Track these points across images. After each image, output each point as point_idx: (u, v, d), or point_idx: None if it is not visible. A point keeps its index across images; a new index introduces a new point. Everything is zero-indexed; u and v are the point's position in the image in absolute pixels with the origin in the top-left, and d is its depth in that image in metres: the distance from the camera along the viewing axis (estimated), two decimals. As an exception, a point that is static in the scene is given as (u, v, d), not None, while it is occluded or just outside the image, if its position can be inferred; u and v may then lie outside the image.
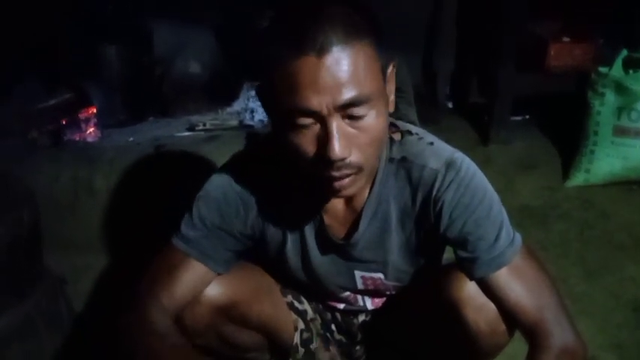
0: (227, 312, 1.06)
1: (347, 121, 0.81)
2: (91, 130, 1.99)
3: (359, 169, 0.85)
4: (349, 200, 0.99)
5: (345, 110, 0.80)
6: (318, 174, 0.84)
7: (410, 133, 0.99)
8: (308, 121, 0.80)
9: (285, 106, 0.80)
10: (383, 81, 0.84)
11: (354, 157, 0.82)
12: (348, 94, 0.78)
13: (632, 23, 2.10)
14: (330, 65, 0.77)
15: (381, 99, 0.83)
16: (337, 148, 0.79)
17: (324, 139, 0.80)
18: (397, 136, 0.98)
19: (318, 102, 0.78)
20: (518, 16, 2.06)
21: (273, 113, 0.86)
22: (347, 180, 0.85)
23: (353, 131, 0.82)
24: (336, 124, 0.80)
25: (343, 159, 0.81)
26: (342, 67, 0.77)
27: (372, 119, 0.82)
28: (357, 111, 0.80)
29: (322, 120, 0.80)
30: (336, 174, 0.83)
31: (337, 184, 0.85)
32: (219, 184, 1.01)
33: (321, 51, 0.76)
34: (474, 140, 2.21)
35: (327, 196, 0.97)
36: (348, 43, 0.78)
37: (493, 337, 0.96)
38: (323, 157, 0.81)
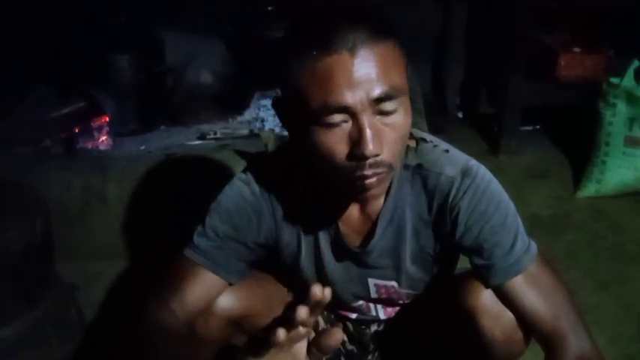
0: (239, 323, 1.06)
1: (378, 117, 0.82)
2: (103, 138, 2.00)
3: (389, 168, 0.85)
4: (364, 207, 0.99)
5: (377, 106, 0.81)
6: (349, 173, 0.84)
7: (425, 140, 0.99)
8: (340, 118, 0.81)
9: (317, 104, 0.80)
10: (407, 79, 0.85)
11: (385, 155, 0.83)
12: (380, 88, 0.80)
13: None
14: (362, 61, 0.79)
15: (407, 96, 0.84)
16: (371, 143, 0.80)
17: (356, 136, 0.81)
18: (412, 143, 0.98)
19: (352, 98, 0.79)
20: (529, 26, 2.06)
21: (299, 117, 0.85)
22: (376, 178, 0.85)
23: (384, 128, 0.82)
24: (369, 120, 0.81)
25: (376, 155, 0.82)
26: (374, 62, 0.79)
27: (401, 116, 0.83)
28: (388, 106, 0.81)
29: (354, 116, 0.81)
30: (368, 172, 0.83)
31: (367, 182, 0.85)
32: (231, 195, 1.01)
33: (353, 48, 0.78)
34: (484, 150, 2.21)
35: (348, 199, 0.98)
36: (378, 40, 0.80)
37: (509, 345, 0.96)
38: (355, 155, 0.82)
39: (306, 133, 0.84)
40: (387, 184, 0.91)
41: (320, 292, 0.67)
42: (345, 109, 0.80)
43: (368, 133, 0.80)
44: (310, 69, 0.80)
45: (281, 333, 0.66)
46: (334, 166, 0.84)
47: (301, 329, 0.69)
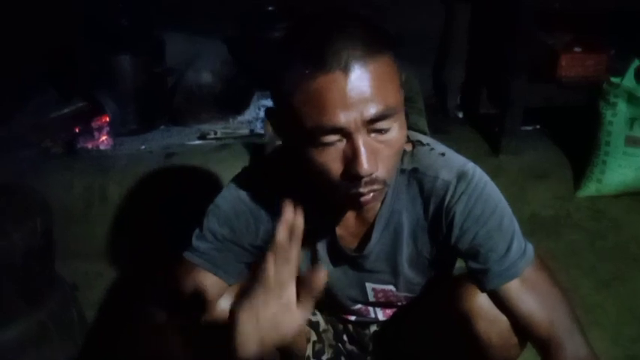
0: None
1: (372, 135, 0.80)
2: (104, 138, 2.00)
3: (384, 184, 0.85)
4: (361, 212, 0.99)
5: (372, 125, 0.79)
6: (344, 191, 0.83)
7: (421, 143, 0.99)
8: (334, 138, 0.80)
9: (310, 125, 0.79)
10: (402, 93, 0.84)
11: (380, 172, 0.82)
12: (374, 108, 0.78)
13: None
14: (355, 80, 0.76)
15: (402, 111, 0.83)
16: (365, 163, 0.79)
17: (350, 156, 0.80)
18: (408, 147, 0.98)
19: (345, 118, 0.77)
20: (531, 27, 2.06)
21: (293, 134, 0.84)
22: (371, 195, 0.84)
23: (378, 145, 0.81)
24: (363, 139, 0.79)
25: (371, 174, 0.80)
26: (368, 81, 0.77)
27: (396, 132, 0.82)
28: (382, 125, 0.80)
29: (349, 136, 0.79)
30: (363, 190, 0.82)
31: (363, 199, 0.84)
32: (229, 197, 1.01)
33: (347, 67, 0.76)
34: (484, 150, 2.20)
35: (346, 209, 0.97)
36: (371, 57, 0.77)
37: (504, 349, 0.96)
38: (350, 174, 0.81)
39: (300, 149, 0.83)
40: (382, 197, 0.90)
41: (291, 211, 0.68)
42: (339, 130, 0.79)
43: (363, 152, 0.79)
44: (303, 87, 0.78)
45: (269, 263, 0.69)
46: (329, 183, 0.84)
47: (285, 269, 0.71)
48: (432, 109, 2.28)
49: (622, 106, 1.94)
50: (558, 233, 1.89)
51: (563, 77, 2.16)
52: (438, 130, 1.76)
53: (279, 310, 0.72)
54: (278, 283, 0.71)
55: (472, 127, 2.37)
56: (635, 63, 1.95)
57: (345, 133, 0.79)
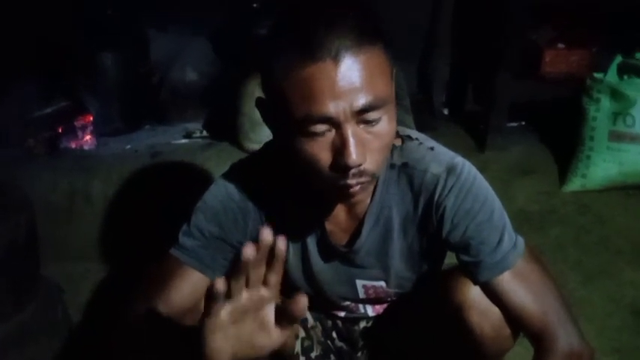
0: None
1: (362, 126, 0.80)
2: (88, 137, 1.98)
3: (372, 176, 0.84)
4: (351, 207, 0.99)
5: (361, 115, 0.79)
6: (332, 182, 0.83)
7: (410, 138, 0.99)
8: (323, 128, 0.79)
9: (299, 114, 0.78)
10: (392, 85, 0.84)
11: (368, 164, 0.81)
12: (364, 98, 0.77)
13: (627, 29, 2.11)
14: (345, 70, 0.76)
15: (392, 103, 0.82)
16: (354, 153, 0.78)
17: (339, 146, 0.79)
18: (398, 142, 0.98)
19: (335, 108, 0.77)
20: (518, 24, 2.07)
21: (282, 124, 0.83)
22: (359, 187, 0.84)
23: (367, 137, 0.81)
24: (352, 130, 0.78)
25: (359, 165, 0.80)
26: (358, 71, 0.76)
27: (385, 124, 0.81)
28: (372, 115, 0.79)
29: (338, 126, 0.79)
30: (351, 182, 0.82)
31: (352, 190, 0.84)
32: (217, 194, 1.00)
33: (337, 56, 0.75)
34: (470, 147, 2.22)
35: (334, 202, 0.97)
36: (362, 47, 0.77)
37: (497, 341, 0.96)
38: (338, 165, 0.80)
39: (289, 139, 0.83)
40: (370, 191, 0.90)
41: (269, 235, 0.65)
42: (328, 120, 0.78)
43: (351, 143, 0.78)
44: (293, 76, 0.77)
45: (219, 284, 0.65)
46: (318, 174, 0.83)
47: (263, 291, 0.68)
48: (418, 106, 2.28)
49: (605, 102, 1.96)
50: (544, 228, 1.90)
51: (547, 73, 2.19)
52: (424, 127, 1.76)
53: (255, 328, 0.70)
54: (252, 303, 0.68)
55: (458, 124, 2.38)
56: (618, 59, 1.97)
57: (335, 123, 0.79)
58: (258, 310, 0.70)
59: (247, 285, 0.66)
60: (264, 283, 0.68)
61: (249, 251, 0.64)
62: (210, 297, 0.66)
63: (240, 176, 1.01)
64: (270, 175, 0.99)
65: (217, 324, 0.68)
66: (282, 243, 0.66)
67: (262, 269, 0.67)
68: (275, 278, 0.68)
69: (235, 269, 0.64)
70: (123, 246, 1.78)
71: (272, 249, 0.66)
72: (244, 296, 0.67)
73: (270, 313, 0.70)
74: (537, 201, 2.01)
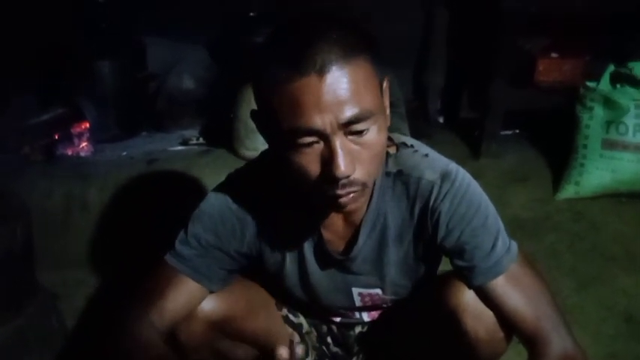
0: (222, 327, 1.05)
1: (350, 137, 0.81)
2: (84, 144, 1.98)
3: (363, 186, 0.85)
4: (348, 215, 0.99)
5: (348, 127, 0.80)
6: (323, 193, 0.84)
7: (405, 145, 1.00)
8: (311, 140, 0.80)
9: (287, 127, 0.80)
10: (380, 96, 0.85)
11: (358, 174, 0.82)
12: (350, 111, 0.79)
13: (620, 39, 2.14)
14: (330, 84, 0.77)
15: (381, 114, 0.83)
16: (342, 165, 0.79)
17: (327, 158, 0.80)
18: (392, 150, 0.99)
19: (321, 121, 0.78)
20: (511, 33, 2.09)
21: (273, 135, 0.85)
22: (351, 196, 0.85)
23: (356, 148, 0.82)
24: (340, 142, 0.80)
25: (348, 176, 0.81)
26: (343, 84, 0.78)
27: (374, 134, 0.82)
28: (359, 126, 0.80)
29: (325, 138, 0.80)
30: (341, 192, 0.83)
31: (342, 200, 0.85)
32: (215, 203, 1.00)
33: (321, 70, 0.77)
34: (465, 154, 2.23)
35: (328, 211, 0.98)
36: (347, 60, 0.78)
37: (491, 344, 0.97)
38: (327, 176, 0.81)
39: (280, 150, 0.84)
40: (365, 199, 0.91)
41: (286, 354, 0.67)
42: (315, 132, 0.79)
43: (339, 154, 0.79)
44: (280, 90, 0.79)
45: None
46: (308, 185, 0.84)
47: None
48: (413, 113, 2.30)
49: (598, 110, 1.98)
50: (538, 235, 1.91)
51: (540, 82, 2.20)
52: (419, 135, 1.78)
53: None
54: None
55: (453, 132, 2.40)
56: (611, 68, 2.00)
57: (322, 136, 0.80)
58: None
59: None
60: None
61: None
62: None
63: (236, 186, 1.01)
64: (266, 184, 1.00)
65: None
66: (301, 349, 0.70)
67: None
68: None
69: None
70: (118, 253, 1.78)
71: None
72: None
73: None
74: (531, 208, 2.03)
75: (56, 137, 1.98)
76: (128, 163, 1.90)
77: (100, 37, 2.00)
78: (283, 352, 0.66)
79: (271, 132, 0.85)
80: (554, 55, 2.21)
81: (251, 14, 2.15)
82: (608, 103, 1.96)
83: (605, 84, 1.98)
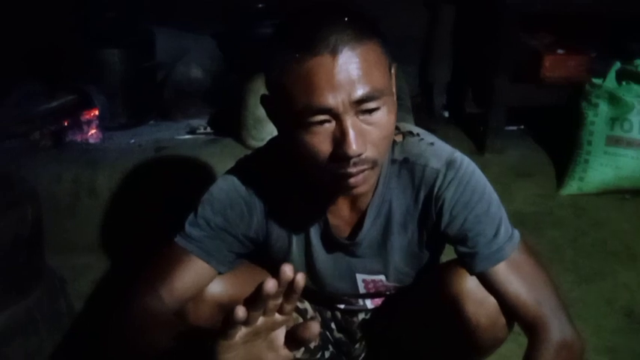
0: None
1: (361, 117, 0.83)
2: (93, 132, 2.00)
3: (374, 164, 0.87)
4: (354, 201, 1.01)
5: (359, 106, 0.82)
6: (334, 172, 0.86)
7: (411, 134, 1.02)
8: (322, 118, 0.82)
9: (300, 106, 0.82)
10: (390, 79, 0.87)
11: (369, 152, 0.85)
12: (361, 89, 0.81)
13: (625, 36, 2.15)
14: (343, 63, 0.80)
15: (390, 95, 0.86)
16: (354, 143, 0.81)
17: (339, 137, 0.83)
18: (399, 138, 1.01)
19: (334, 99, 0.80)
20: (514, 28, 2.10)
21: (284, 117, 0.87)
22: (361, 176, 0.87)
23: (367, 127, 0.84)
24: (351, 121, 0.82)
25: (359, 154, 0.83)
26: (355, 64, 0.80)
27: (384, 114, 0.85)
28: (370, 105, 0.83)
29: (337, 117, 0.82)
30: (352, 170, 0.85)
31: (353, 180, 0.86)
32: (224, 187, 1.02)
33: (334, 50, 0.79)
34: (469, 149, 2.24)
35: (336, 194, 0.99)
36: (359, 41, 0.81)
37: (493, 330, 0.99)
38: (339, 154, 0.83)
39: (291, 132, 0.86)
40: (374, 182, 0.93)
41: (290, 270, 0.66)
42: (328, 111, 0.81)
43: (351, 133, 0.81)
44: (293, 70, 0.81)
45: (239, 311, 0.65)
46: (319, 165, 0.86)
47: (277, 316, 0.69)
48: (418, 108, 2.32)
49: (603, 107, 1.99)
50: (541, 230, 1.93)
51: (546, 78, 2.21)
52: (423, 129, 1.79)
53: (264, 348, 0.72)
54: (266, 327, 0.70)
55: (457, 126, 2.41)
56: (617, 65, 2.01)
57: (334, 114, 0.82)
58: (270, 332, 0.72)
59: (264, 313, 0.68)
60: (279, 310, 0.70)
61: (270, 285, 0.65)
62: (229, 322, 0.67)
63: (246, 171, 1.03)
64: (274, 169, 1.01)
65: (231, 345, 0.70)
66: (301, 278, 0.67)
67: (280, 299, 0.68)
68: (290, 307, 0.70)
69: (255, 298, 0.66)
70: (126, 239, 1.80)
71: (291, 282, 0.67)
72: (259, 320, 0.69)
73: (280, 334, 0.72)
74: (534, 203, 2.04)
75: (65, 124, 1.99)
76: (136, 150, 1.92)
77: (108, 26, 2.01)
78: (287, 268, 0.66)
79: (282, 114, 0.87)
80: (560, 51, 2.21)
81: (259, 5, 2.16)
82: (613, 99, 1.97)
83: (610, 81, 2.00)
